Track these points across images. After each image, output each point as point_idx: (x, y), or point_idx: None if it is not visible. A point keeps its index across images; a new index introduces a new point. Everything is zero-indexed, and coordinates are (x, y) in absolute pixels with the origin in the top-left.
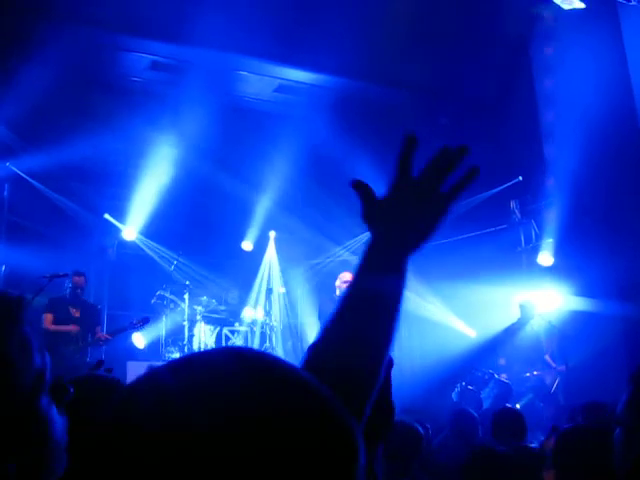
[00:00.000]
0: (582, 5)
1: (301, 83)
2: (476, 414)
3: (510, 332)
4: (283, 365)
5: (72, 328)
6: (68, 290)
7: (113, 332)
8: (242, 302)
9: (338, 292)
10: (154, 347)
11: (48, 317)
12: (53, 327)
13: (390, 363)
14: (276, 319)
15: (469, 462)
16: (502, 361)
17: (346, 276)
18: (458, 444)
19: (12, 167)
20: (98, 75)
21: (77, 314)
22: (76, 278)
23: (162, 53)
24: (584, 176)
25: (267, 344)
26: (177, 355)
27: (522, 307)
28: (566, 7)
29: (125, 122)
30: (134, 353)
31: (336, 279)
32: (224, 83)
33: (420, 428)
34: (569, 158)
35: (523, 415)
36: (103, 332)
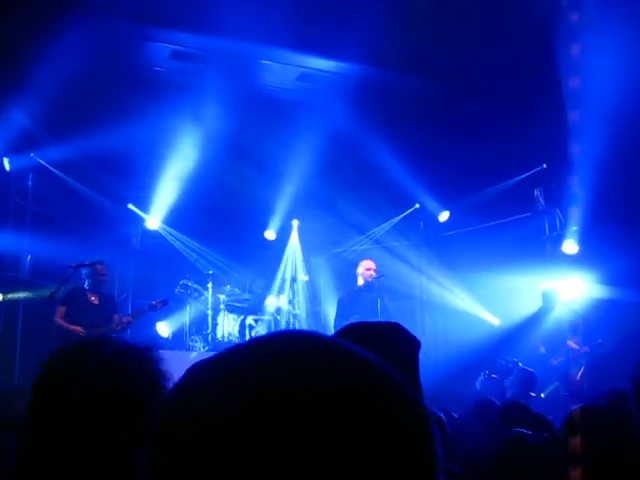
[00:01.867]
0: None
1: (323, 71)
2: (499, 403)
3: (533, 320)
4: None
5: (77, 329)
6: (88, 279)
7: (134, 314)
8: (265, 291)
9: (361, 280)
10: (178, 336)
11: (61, 310)
12: (60, 322)
13: (417, 345)
14: (299, 307)
15: (500, 451)
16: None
17: (367, 264)
18: (480, 432)
19: (36, 158)
20: (120, 65)
21: (96, 301)
22: (99, 267)
23: (184, 43)
24: (610, 164)
25: None
26: (201, 345)
27: (545, 295)
28: None
29: (148, 112)
30: (158, 342)
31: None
32: (246, 72)
33: (442, 415)
34: (594, 146)
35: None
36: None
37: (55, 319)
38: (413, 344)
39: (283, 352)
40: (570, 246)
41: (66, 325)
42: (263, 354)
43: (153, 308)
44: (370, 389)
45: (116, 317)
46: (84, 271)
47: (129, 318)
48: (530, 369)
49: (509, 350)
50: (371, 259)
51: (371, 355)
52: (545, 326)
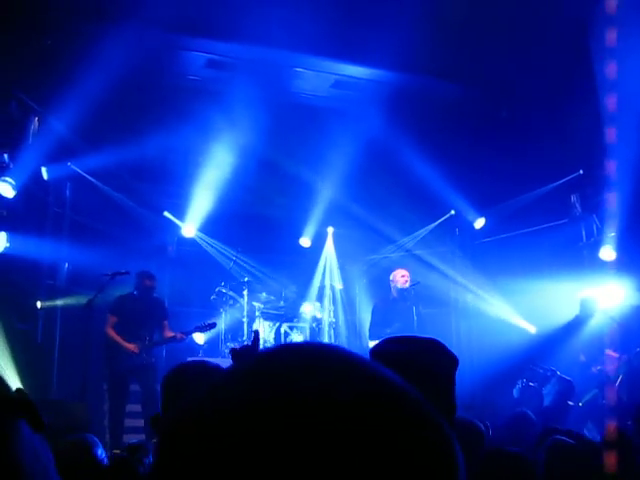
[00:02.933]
0: None
1: (358, 78)
2: (533, 416)
3: (571, 328)
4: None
5: (132, 348)
6: (137, 290)
7: (186, 332)
8: (301, 298)
9: (395, 288)
10: (213, 343)
11: (112, 320)
12: (113, 335)
13: (454, 363)
14: (335, 315)
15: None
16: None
17: (401, 272)
18: (514, 443)
19: (74, 167)
20: (156, 74)
21: (143, 312)
22: (147, 282)
23: (219, 51)
24: None
25: (326, 340)
26: None
27: (583, 302)
28: None
29: (183, 120)
30: (194, 349)
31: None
32: (280, 80)
33: (481, 425)
34: (632, 151)
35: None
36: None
37: (106, 330)
38: (451, 361)
39: (297, 362)
40: (607, 252)
41: (121, 341)
42: (280, 362)
43: (202, 328)
44: (394, 408)
45: (165, 323)
46: (133, 282)
47: (183, 335)
48: (568, 378)
49: (546, 358)
50: (405, 268)
51: (394, 375)
52: (584, 334)
